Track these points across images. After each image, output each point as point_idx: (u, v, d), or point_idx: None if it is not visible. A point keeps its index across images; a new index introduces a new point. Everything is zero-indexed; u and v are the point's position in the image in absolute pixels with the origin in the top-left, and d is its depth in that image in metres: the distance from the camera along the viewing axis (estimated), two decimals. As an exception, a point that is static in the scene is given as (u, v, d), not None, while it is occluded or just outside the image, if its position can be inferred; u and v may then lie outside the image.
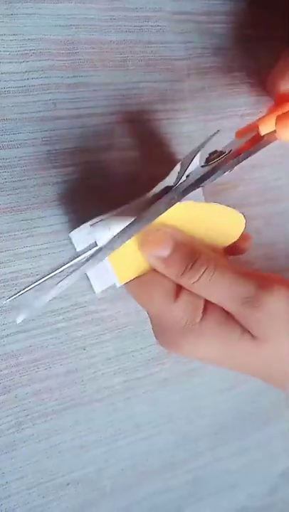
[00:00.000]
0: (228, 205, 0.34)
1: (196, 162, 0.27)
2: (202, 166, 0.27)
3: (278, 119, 0.27)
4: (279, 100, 0.31)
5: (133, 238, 0.25)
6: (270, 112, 0.30)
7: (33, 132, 0.29)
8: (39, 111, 0.29)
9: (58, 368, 0.31)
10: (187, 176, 0.27)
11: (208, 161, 0.27)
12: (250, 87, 0.35)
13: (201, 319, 0.25)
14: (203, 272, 0.25)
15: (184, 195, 0.25)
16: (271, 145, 0.35)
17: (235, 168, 0.26)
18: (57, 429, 0.31)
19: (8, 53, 0.28)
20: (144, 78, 0.31)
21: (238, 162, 0.26)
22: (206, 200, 0.33)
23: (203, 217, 0.28)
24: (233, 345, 0.25)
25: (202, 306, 0.26)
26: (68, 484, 0.31)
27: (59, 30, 0.29)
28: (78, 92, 0.30)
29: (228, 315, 0.26)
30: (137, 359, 0.32)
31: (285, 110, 0.29)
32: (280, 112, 0.28)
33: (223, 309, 0.26)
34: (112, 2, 0.30)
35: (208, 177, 0.25)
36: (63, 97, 0.30)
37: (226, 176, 0.34)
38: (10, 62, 0.28)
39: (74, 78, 0.30)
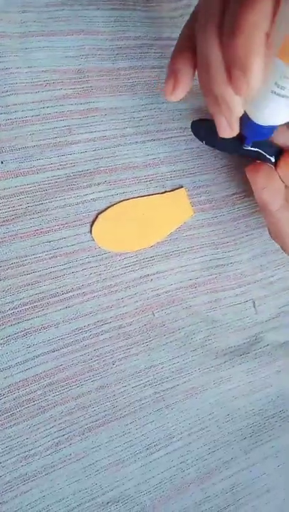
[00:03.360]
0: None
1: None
2: None
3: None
4: None
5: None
6: None
7: (51, 158, 0.31)
8: (55, 137, 0.31)
9: (89, 385, 0.31)
10: None
11: None
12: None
13: None
14: None
15: None
16: None
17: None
18: (93, 447, 0.31)
19: (24, 85, 0.30)
20: (152, 100, 0.33)
21: None
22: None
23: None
24: None
25: None
26: (108, 503, 0.31)
27: (70, 60, 0.31)
28: (90, 117, 0.32)
29: None
30: (166, 370, 0.33)
31: None
32: None
33: None
34: (116, 33, 0.32)
35: None
36: (77, 122, 0.31)
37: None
38: (26, 93, 0.30)
39: (86, 104, 0.32)
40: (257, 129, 0.26)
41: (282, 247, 0.32)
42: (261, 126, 0.25)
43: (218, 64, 0.22)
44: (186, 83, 0.25)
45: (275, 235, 0.31)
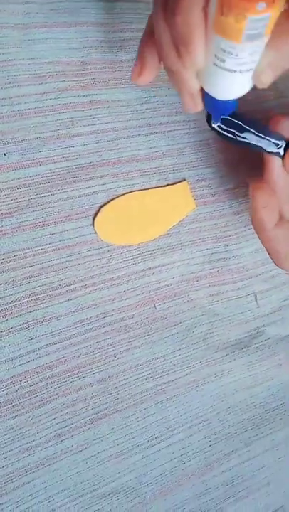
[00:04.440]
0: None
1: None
2: None
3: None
4: None
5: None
6: None
7: (54, 150, 0.31)
8: (58, 129, 0.31)
9: (91, 377, 0.31)
10: None
11: None
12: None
13: None
14: None
15: None
16: None
17: None
18: (95, 439, 0.31)
19: (26, 76, 0.30)
20: (155, 93, 0.33)
21: None
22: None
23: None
24: None
25: None
26: (110, 494, 0.31)
27: (73, 52, 0.31)
28: (93, 109, 0.32)
29: None
30: (167, 363, 0.33)
31: None
32: None
33: None
34: (119, 25, 0.32)
35: None
36: (80, 115, 0.31)
37: None
38: (29, 85, 0.30)
39: (89, 97, 0.31)
40: (217, 105, 0.25)
41: (276, 264, 0.32)
42: (220, 101, 0.25)
43: (168, 42, 0.23)
44: (152, 67, 0.26)
45: (270, 253, 0.31)
